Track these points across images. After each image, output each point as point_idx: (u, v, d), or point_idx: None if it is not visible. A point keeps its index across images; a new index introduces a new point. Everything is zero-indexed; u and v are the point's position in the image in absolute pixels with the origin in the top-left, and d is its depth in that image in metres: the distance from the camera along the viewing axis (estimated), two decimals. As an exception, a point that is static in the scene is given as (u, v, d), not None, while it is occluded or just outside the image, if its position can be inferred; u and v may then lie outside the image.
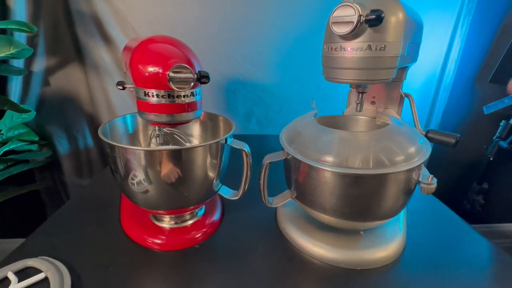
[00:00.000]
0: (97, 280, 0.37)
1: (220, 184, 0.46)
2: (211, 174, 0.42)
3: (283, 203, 0.44)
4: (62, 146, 0.91)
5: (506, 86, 0.90)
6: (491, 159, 1.01)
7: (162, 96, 0.38)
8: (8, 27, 0.66)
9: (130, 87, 0.41)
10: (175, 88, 0.36)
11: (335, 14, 0.32)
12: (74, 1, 0.74)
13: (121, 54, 0.51)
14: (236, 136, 0.43)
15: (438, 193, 0.44)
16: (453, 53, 0.87)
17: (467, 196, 1.10)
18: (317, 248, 0.41)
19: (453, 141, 0.40)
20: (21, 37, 0.73)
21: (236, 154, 0.43)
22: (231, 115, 0.93)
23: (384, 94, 0.48)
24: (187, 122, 0.43)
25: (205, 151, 0.39)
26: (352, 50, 0.34)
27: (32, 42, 0.76)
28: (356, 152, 0.35)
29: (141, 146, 0.52)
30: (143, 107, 0.40)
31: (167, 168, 0.37)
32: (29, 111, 0.79)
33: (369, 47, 0.33)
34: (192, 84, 0.36)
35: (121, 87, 0.42)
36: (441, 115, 0.99)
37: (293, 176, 0.41)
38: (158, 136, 0.48)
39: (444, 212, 0.55)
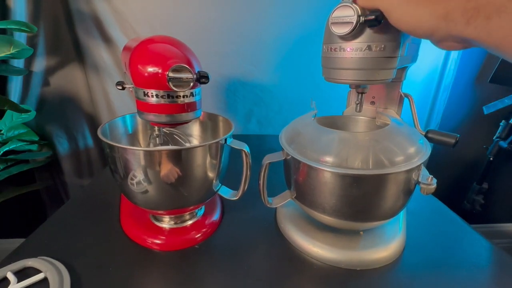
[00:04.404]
0: (96, 280, 0.37)
1: (220, 184, 0.46)
2: (210, 174, 0.42)
3: (282, 204, 0.44)
4: (62, 146, 0.91)
5: None
6: (491, 159, 1.01)
7: (162, 96, 0.38)
8: (8, 27, 0.66)
9: (130, 87, 0.41)
10: (175, 88, 0.36)
11: (334, 14, 0.32)
12: (74, 1, 0.74)
13: (121, 54, 0.51)
14: (236, 136, 0.43)
15: (438, 193, 0.44)
16: (453, 53, 0.87)
17: (467, 196, 1.10)
18: (317, 248, 0.41)
19: (453, 141, 0.40)
20: (21, 37, 0.73)
21: (236, 154, 0.43)
22: (231, 115, 0.93)
23: (384, 94, 0.48)
24: (186, 122, 0.43)
25: (204, 151, 0.39)
26: (351, 50, 0.34)
27: (32, 42, 0.76)
28: (355, 152, 0.35)
29: (141, 146, 0.52)
30: (142, 107, 0.40)
31: (166, 168, 0.37)
32: (29, 111, 0.79)
33: (369, 47, 0.33)
34: (191, 84, 0.36)
35: (120, 87, 0.43)
36: (441, 115, 0.99)
37: (292, 176, 0.41)
38: (157, 136, 0.48)
39: (444, 212, 0.54)
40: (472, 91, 1.01)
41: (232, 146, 0.42)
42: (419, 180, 0.34)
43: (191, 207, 0.45)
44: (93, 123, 0.92)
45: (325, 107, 0.48)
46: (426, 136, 0.42)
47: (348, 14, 0.31)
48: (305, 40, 0.83)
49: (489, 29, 0.22)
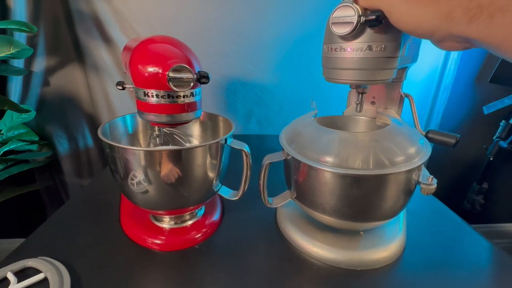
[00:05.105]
0: (96, 280, 0.37)
1: (220, 185, 0.46)
2: (211, 174, 0.42)
3: (283, 204, 0.44)
4: (62, 146, 0.91)
5: None
6: (491, 159, 1.01)
7: (162, 96, 0.38)
8: (8, 27, 0.66)
9: (130, 87, 0.41)
10: (175, 88, 0.36)
11: (335, 14, 0.32)
12: (74, 1, 0.74)
13: (121, 54, 0.51)
14: (236, 136, 0.43)
15: (438, 193, 0.44)
16: (453, 53, 0.87)
17: (467, 196, 1.11)
18: (317, 248, 0.41)
19: (453, 141, 0.40)
20: (21, 37, 0.73)
21: (236, 154, 0.43)
22: (231, 115, 0.93)
23: (384, 94, 0.48)
24: (187, 122, 0.43)
25: (205, 152, 0.39)
26: (352, 50, 0.34)
27: (32, 42, 0.76)
28: (356, 152, 0.35)
29: (141, 147, 0.52)
30: (142, 107, 0.40)
31: (166, 169, 0.37)
32: (29, 111, 0.79)
33: (369, 47, 0.33)
34: (192, 84, 0.36)
35: (121, 87, 0.42)
36: (441, 115, 0.99)
37: (293, 176, 0.41)
38: (157, 136, 0.48)
39: (444, 212, 0.54)
40: (472, 91, 1.01)
41: (232, 146, 0.42)
42: (420, 180, 0.34)
43: (191, 207, 0.45)
44: (93, 123, 0.92)
45: (325, 107, 0.48)
46: (426, 136, 0.42)
47: (348, 14, 0.31)
48: (305, 40, 0.83)
49: (491, 28, 0.22)
